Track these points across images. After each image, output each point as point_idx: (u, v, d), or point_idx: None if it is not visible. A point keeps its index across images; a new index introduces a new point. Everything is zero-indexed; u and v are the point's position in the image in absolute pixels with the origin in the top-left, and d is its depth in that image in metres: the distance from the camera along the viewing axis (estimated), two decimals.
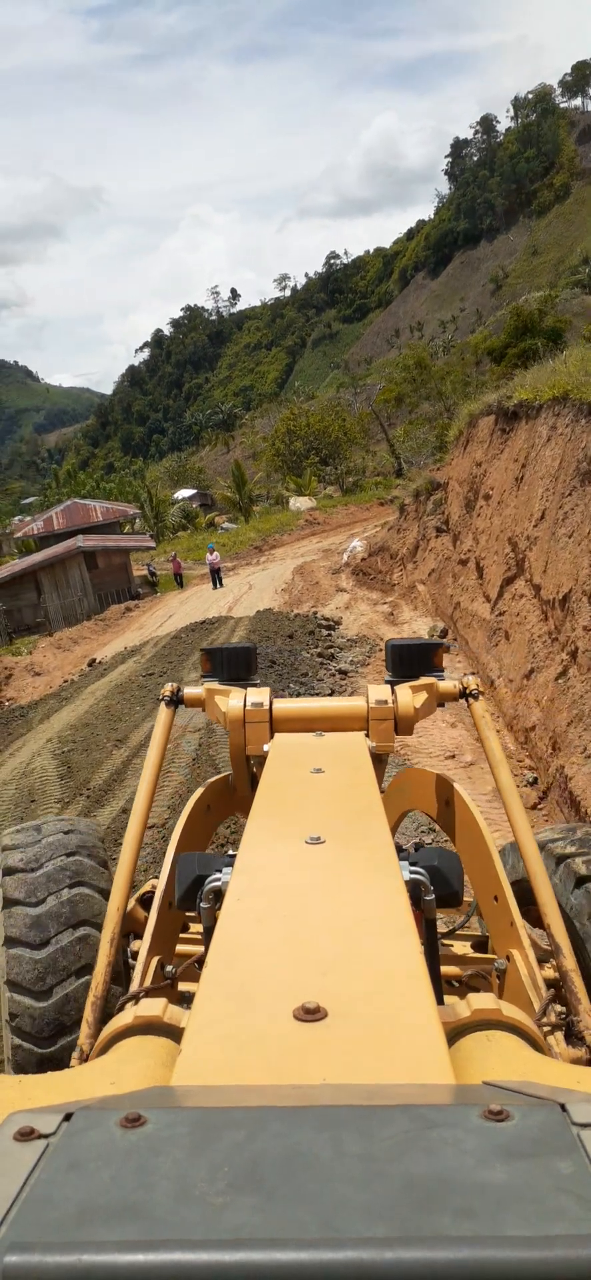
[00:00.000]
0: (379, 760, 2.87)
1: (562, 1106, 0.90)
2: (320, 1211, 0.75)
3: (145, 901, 3.21)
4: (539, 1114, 0.89)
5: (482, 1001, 1.54)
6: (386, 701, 2.97)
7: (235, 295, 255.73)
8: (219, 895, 2.11)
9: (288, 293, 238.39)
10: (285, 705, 3.06)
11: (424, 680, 3.22)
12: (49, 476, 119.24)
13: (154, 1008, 1.55)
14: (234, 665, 3.36)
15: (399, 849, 2.16)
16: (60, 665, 24.11)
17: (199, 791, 3.29)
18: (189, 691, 3.38)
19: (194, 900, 2.23)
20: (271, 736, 2.94)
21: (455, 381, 57.75)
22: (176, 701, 3.38)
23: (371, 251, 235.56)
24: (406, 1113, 0.90)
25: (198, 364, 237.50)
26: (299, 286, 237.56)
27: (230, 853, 2.25)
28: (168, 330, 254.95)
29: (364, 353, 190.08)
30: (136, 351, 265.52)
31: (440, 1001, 1.78)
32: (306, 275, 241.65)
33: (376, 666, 14.51)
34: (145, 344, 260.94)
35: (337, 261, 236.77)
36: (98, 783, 10.35)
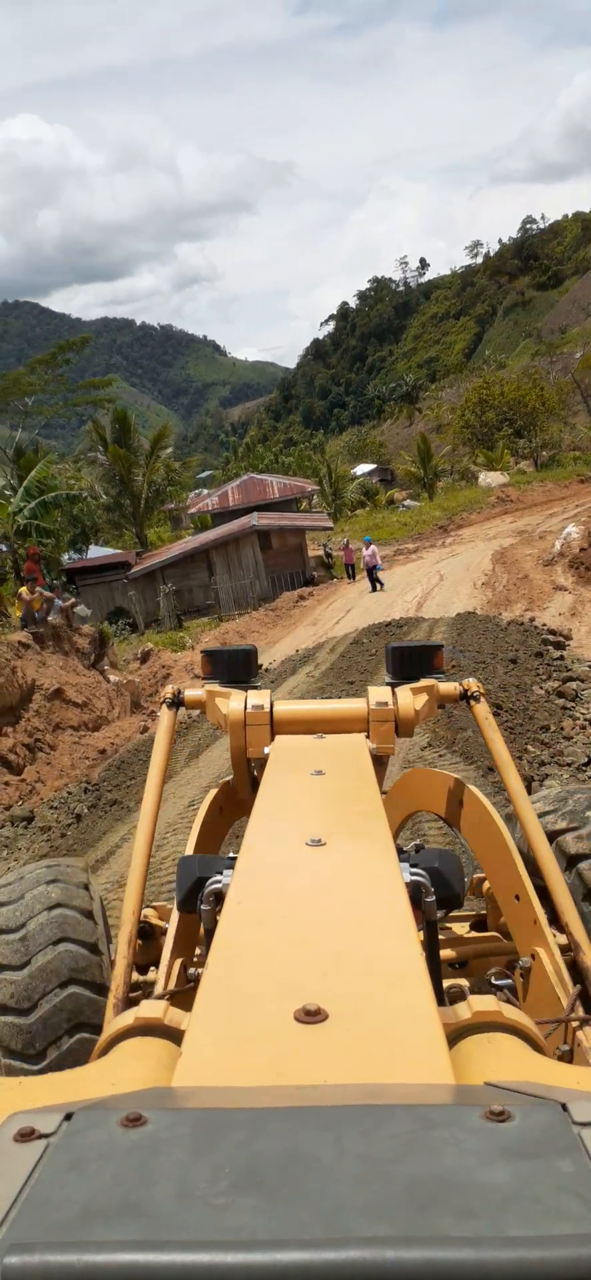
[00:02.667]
0: (379, 762, 2.86)
1: (564, 1106, 0.90)
2: (321, 1212, 0.75)
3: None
4: (540, 1114, 0.89)
5: (483, 1003, 1.52)
6: (387, 703, 2.97)
7: (424, 265, 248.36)
8: (219, 897, 2.11)
9: (479, 260, 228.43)
10: (286, 708, 3.08)
11: (424, 682, 3.22)
12: (229, 450, 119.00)
13: (154, 1009, 1.53)
14: (234, 667, 3.36)
15: (399, 850, 2.17)
16: None
17: (213, 792, 3.35)
18: (190, 694, 3.40)
19: (195, 902, 2.23)
20: (272, 739, 2.93)
21: None
22: (177, 704, 3.40)
23: (570, 216, 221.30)
24: (407, 1113, 0.90)
25: (382, 336, 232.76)
26: (491, 253, 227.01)
27: (231, 855, 2.27)
28: (353, 303, 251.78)
29: (558, 321, 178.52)
30: (321, 325, 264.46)
31: (441, 1002, 1.74)
32: (499, 241, 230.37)
33: None
34: (330, 317, 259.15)
35: (533, 227, 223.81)
36: None
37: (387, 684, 3.22)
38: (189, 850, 2.92)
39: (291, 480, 55.72)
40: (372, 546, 30.54)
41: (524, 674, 12.00)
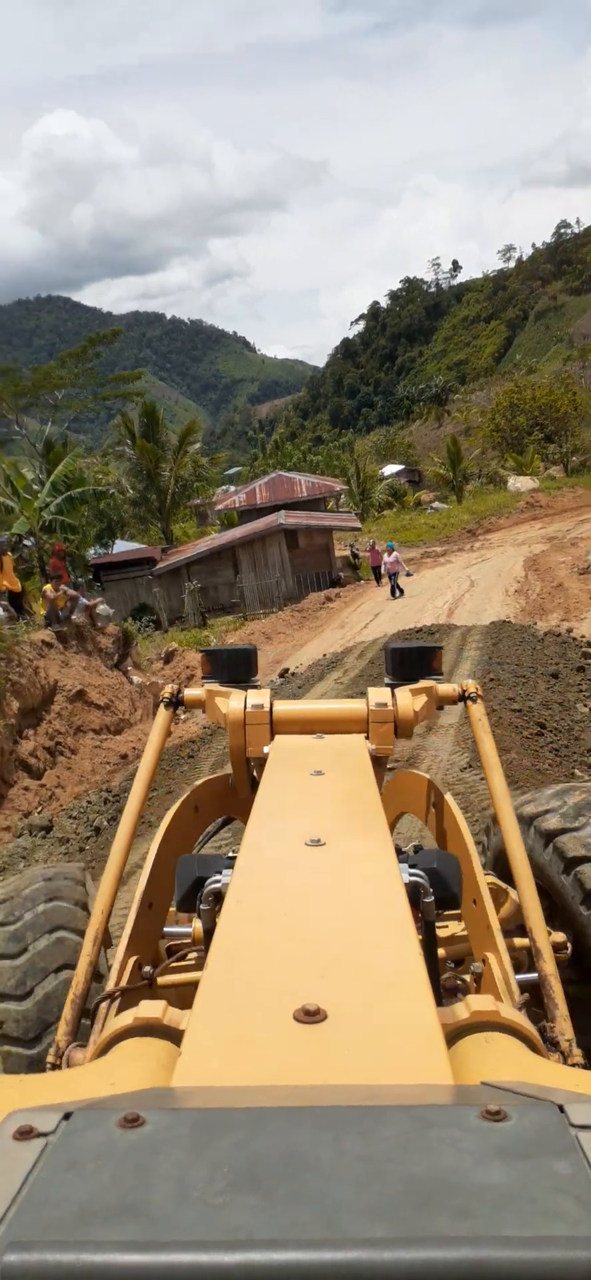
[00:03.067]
0: (379, 763, 2.86)
1: (561, 1108, 0.90)
2: (319, 1212, 0.75)
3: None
4: (537, 1115, 0.89)
5: (481, 1003, 1.53)
6: (386, 704, 2.99)
7: (456, 267, 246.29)
8: (219, 897, 2.11)
9: (512, 264, 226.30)
10: (286, 707, 3.09)
11: (423, 683, 3.23)
12: (258, 447, 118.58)
13: (154, 1010, 1.53)
14: (234, 667, 3.36)
15: (398, 851, 2.17)
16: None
17: (185, 795, 3.29)
18: (189, 693, 3.39)
19: (194, 902, 2.24)
20: (272, 738, 2.93)
21: None
22: (176, 703, 3.38)
23: None
24: (405, 1113, 0.90)
25: (412, 337, 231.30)
26: (524, 257, 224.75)
27: (230, 854, 2.28)
28: (384, 302, 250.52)
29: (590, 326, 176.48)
30: (352, 324, 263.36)
31: (439, 1003, 1.70)
32: (533, 245, 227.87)
33: None
34: (361, 316, 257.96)
35: (567, 231, 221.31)
36: None
37: (387, 685, 3.24)
38: (153, 849, 2.90)
39: (320, 479, 55.19)
40: (395, 553, 29.32)
41: (566, 690, 11.43)
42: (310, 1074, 1.17)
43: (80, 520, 23.01)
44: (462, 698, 3.31)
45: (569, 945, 3.03)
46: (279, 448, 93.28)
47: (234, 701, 3.05)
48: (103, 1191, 0.78)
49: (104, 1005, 2.37)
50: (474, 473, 70.23)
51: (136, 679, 16.56)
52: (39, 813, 11.84)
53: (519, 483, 58.48)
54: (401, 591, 27.83)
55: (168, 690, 3.39)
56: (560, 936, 3.01)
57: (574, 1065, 2.25)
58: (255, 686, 3.27)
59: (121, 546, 49.35)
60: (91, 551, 47.03)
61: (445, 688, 3.30)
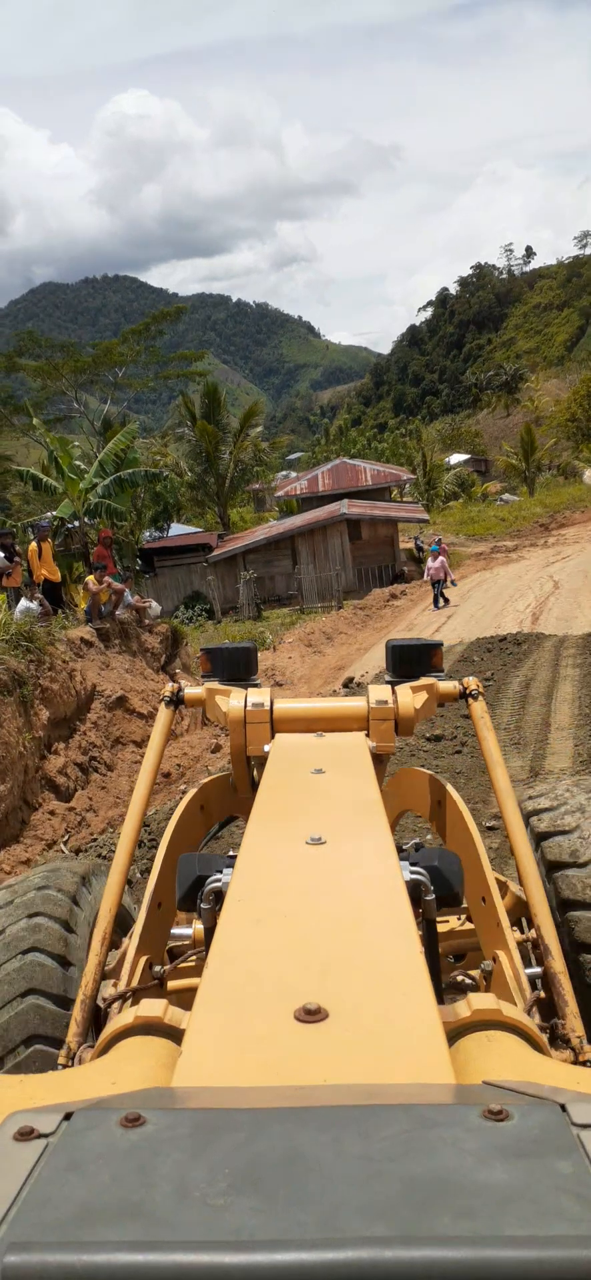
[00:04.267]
0: (379, 761, 2.89)
1: (563, 1107, 0.90)
2: (320, 1212, 0.75)
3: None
4: (539, 1114, 0.89)
5: (483, 1001, 1.54)
6: (387, 702, 2.99)
7: (530, 253, 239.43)
8: (219, 896, 2.12)
9: (588, 250, 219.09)
10: (286, 706, 3.09)
11: (424, 680, 3.25)
12: (319, 432, 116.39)
13: (154, 1008, 1.55)
14: (234, 665, 3.37)
15: (399, 849, 2.17)
16: (307, 676, 18.03)
17: (192, 791, 3.31)
18: (190, 692, 3.41)
19: (194, 901, 2.24)
20: (272, 737, 2.94)
21: None
22: (177, 702, 3.39)
23: None
24: (406, 1112, 0.90)
25: (481, 324, 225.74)
26: None
27: (230, 853, 2.28)
28: (454, 289, 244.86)
29: None
30: (419, 310, 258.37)
31: (441, 1001, 1.75)
32: None
33: None
34: (428, 303, 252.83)
35: None
36: None
37: (387, 682, 3.24)
38: (162, 849, 2.87)
39: (385, 467, 53.03)
40: (442, 557, 25.65)
41: None
42: (311, 1073, 1.17)
43: (129, 504, 21.28)
44: (463, 695, 3.30)
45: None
46: (343, 433, 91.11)
47: (234, 700, 3.02)
48: (103, 1192, 0.78)
49: (116, 1006, 2.36)
50: (545, 464, 67.29)
51: (184, 682, 14.92)
52: (65, 842, 10.23)
53: None
54: (446, 601, 24.74)
55: (168, 689, 3.39)
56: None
57: (585, 1063, 2.23)
58: (255, 685, 3.24)
59: (177, 530, 48.07)
60: (147, 534, 45.89)
61: (446, 685, 3.28)
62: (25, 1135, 0.87)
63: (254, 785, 2.95)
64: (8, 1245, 0.71)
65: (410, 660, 3.32)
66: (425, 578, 27.06)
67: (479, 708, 3.26)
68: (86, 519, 18.47)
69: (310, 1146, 0.84)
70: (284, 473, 76.24)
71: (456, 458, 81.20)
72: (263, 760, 2.77)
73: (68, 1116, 0.90)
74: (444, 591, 25.11)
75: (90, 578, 14.71)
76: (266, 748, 2.83)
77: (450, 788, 3.11)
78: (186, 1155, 0.83)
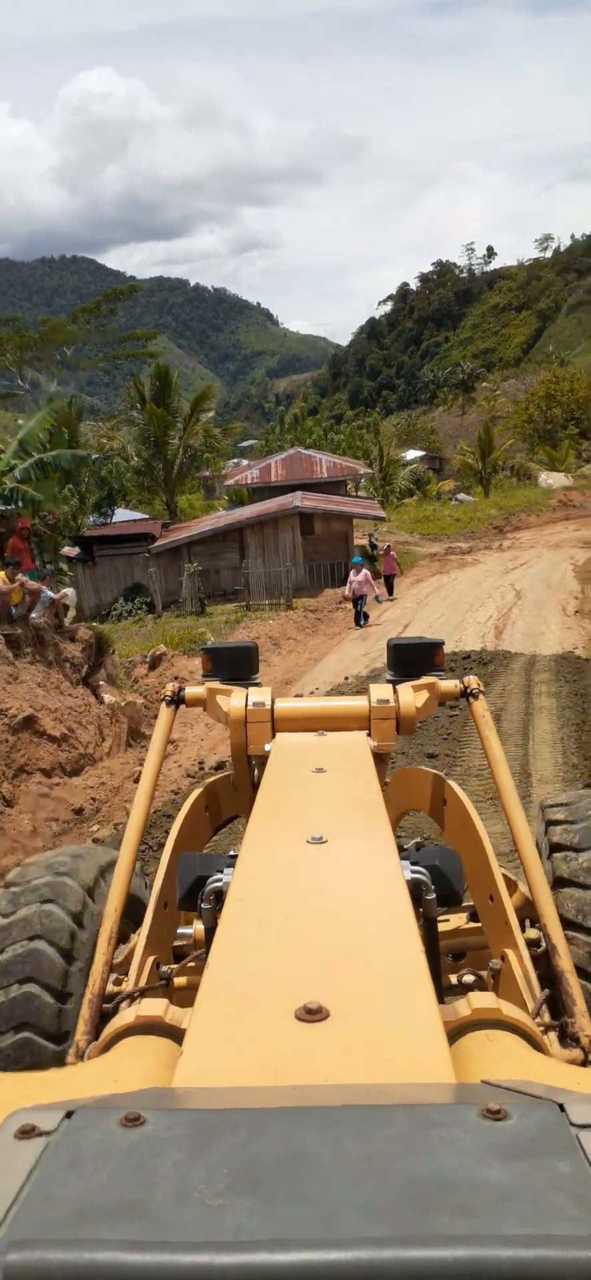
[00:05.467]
0: (380, 760, 2.87)
1: (561, 1106, 0.90)
2: (319, 1212, 0.75)
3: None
4: (537, 1114, 0.90)
5: (483, 1001, 1.54)
6: (388, 701, 2.98)
7: (491, 253, 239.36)
8: (220, 896, 2.10)
9: (549, 254, 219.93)
10: (287, 705, 3.08)
11: (425, 679, 3.22)
12: (274, 420, 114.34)
13: (155, 1008, 1.54)
14: (235, 665, 3.35)
15: (400, 848, 2.15)
16: None
17: (197, 791, 3.30)
18: (191, 691, 3.39)
19: (195, 901, 2.22)
20: (273, 736, 2.94)
21: None
22: (178, 701, 3.37)
23: None
24: (405, 1112, 0.91)
25: (440, 321, 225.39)
26: (562, 248, 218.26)
27: (232, 853, 2.25)
28: (415, 285, 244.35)
29: None
30: (379, 304, 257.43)
31: (441, 1000, 1.71)
32: (572, 237, 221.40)
33: None
34: (389, 297, 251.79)
35: None
36: None
37: (388, 681, 3.22)
38: (168, 849, 2.90)
39: (341, 460, 51.33)
40: (364, 571, 22.98)
41: None
42: (311, 1073, 1.17)
43: (54, 492, 19.10)
44: (464, 694, 3.29)
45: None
46: (298, 422, 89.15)
47: (235, 699, 3.03)
48: (103, 1191, 0.78)
49: (123, 1006, 2.32)
50: (501, 465, 66.53)
51: (108, 697, 12.96)
52: None
53: (551, 479, 55.07)
54: (366, 619, 22.32)
55: (169, 688, 3.43)
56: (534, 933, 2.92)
57: None
58: (256, 684, 3.25)
59: (125, 516, 45.84)
60: (90, 520, 43.58)
61: (447, 684, 3.27)
62: (26, 1133, 0.87)
63: (255, 785, 2.93)
64: (9, 1243, 0.71)
65: (411, 659, 3.30)
66: (346, 592, 23.43)
67: (480, 706, 3.25)
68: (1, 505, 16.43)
69: (310, 1146, 0.83)
70: (235, 460, 74.17)
71: (412, 453, 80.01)
72: (264, 759, 2.76)
73: (68, 1115, 0.90)
74: (366, 609, 22.54)
75: (1, 574, 12.73)
76: (267, 747, 2.82)
77: (455, 785, 3.10)
78: (186, 1155, 0.82)
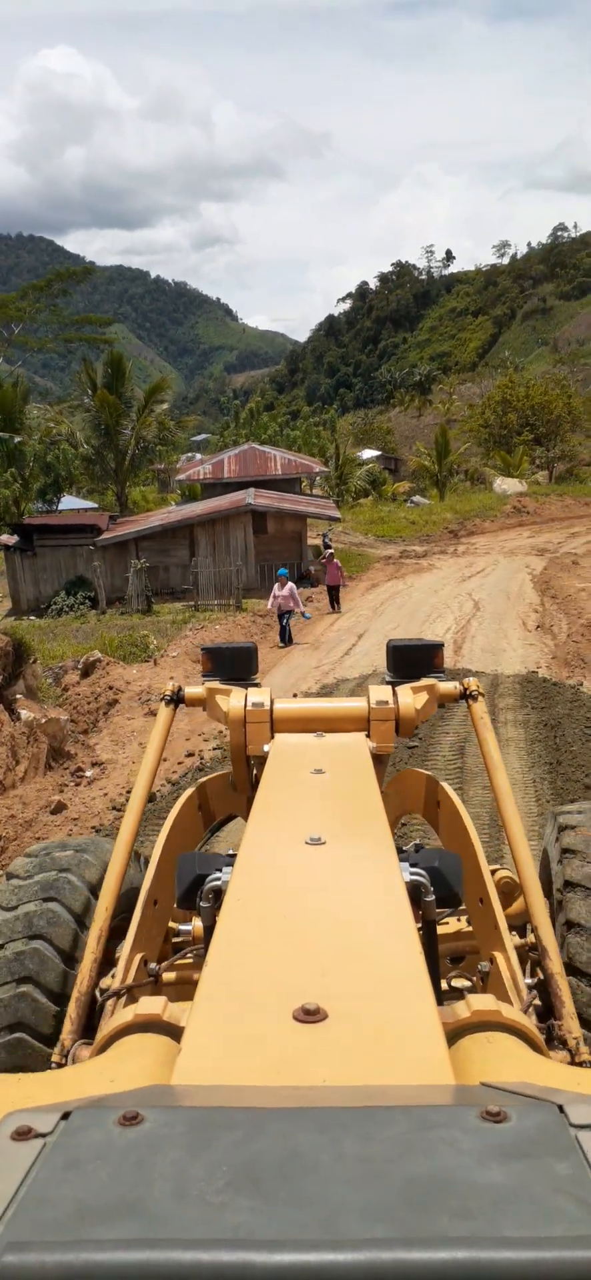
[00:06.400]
0: (379, 761, 2.85)
1: (560, 1108, 0.90)
2: (318, 1212, 0.75)
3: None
4: (536, 1115, 0.89)
5: (482, 1002, 1.52)
6: (388, 702, 2.97)
7: (450, 257, 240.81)
8: (219, 895, 2.10)
9: (505, 260, 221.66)
10: (286, 706, 3.07)
11: (425, 681, 3.21)
12: (230, 415, 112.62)
13: (154, 1006, 1.52)
14: (235, 665, 3.35)
15: (399, 850, 2.15)
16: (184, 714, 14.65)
17: (189, 791, 3.29)
18: (190, 691, 3.37)
19: (193, 899, 2.22)
20: (272, 737, 2.93)
21: None
22: (177, 700, 3.36)
23: None
24: (404, 1114, 0.90)
25: (398, 322, 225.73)
26: (518, 255, 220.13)
27: (230, 852, 2.26)
28: (374, 284, 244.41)
29: (576, 333, 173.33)
30: (338, 301, 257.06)
31: (440, 1002, 1.71)
32: (528, 245, 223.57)
33: None
34: (348, 295, 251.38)
35: (565, 235, 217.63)
36: None
37: (387, 682, 3.23)
38: (159, 847, 2.89)
39: (297, 457, 50.10)
40: (290, 584, 20.68)
41: None
42: (310, 1074, 1.16)
43: None
44: (464, 695, 3.29)
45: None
46: (254, 417, 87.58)
47: (234, 699, 3.04)
48: (101, 1190, 0.77)
49: (111, 1002, 2.35)
50: (456, 468, 66.05)
51: (26, 713, 11.54)
52: None
53: (505, 484, 54.76)
54: (290, 638, 20.07)
55: (168, 688, 3.39)
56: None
57: (581, 1064, 2.21)
58: (255, 684, 3.26)
59: (73, 504, 44.03)
60: (35, 507, 41.75)
61: (446, 686, 3.27)
62: (23, 1135, 0.86)
63: (254, 785, 2.96)
64: (5, 1245, 0.70)
65: (410, 660, 3.33)
66: (269, 606, 21.17)
67: (479, 708, 3.26)
68: None
69: (308, 1146, 0.83)
70: (189, 454, 72.47)
71: (368, 453, 79.21)
72: (262, 760, 2.77)
73: (66, 1115, 0.89)
74: (291, 624, 20.23)
75: None
76: (266, 747, 2.84)
77: (447, 788, 3.17)
78: (184, 1153, 0.82)
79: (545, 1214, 0.73)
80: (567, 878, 3.05)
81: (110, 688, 14.60)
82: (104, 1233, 0.71)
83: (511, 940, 2.54)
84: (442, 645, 3.46)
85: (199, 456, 63.54)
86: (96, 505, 45.70)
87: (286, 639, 20.09)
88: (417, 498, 60.61)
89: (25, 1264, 0.68)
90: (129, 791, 10.39)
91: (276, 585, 20.77)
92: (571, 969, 2.80)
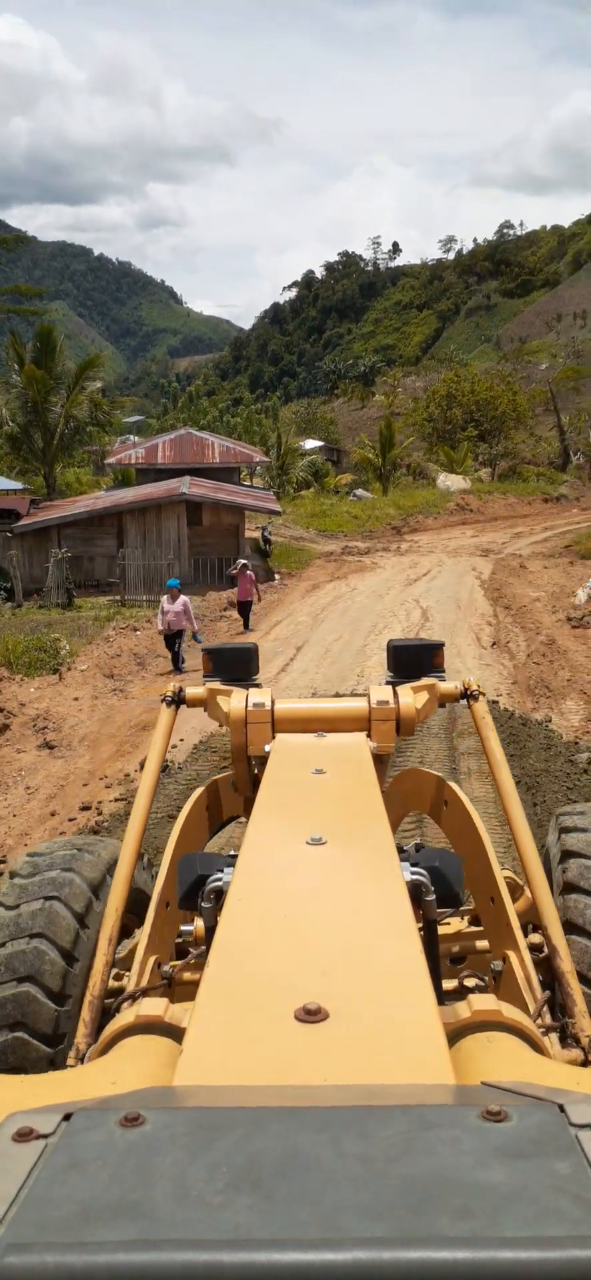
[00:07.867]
0: (380, 761, 2.85)
1: (561, 1107, 0.90)
2: (319, 1212, 0.75)
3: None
4: (537, 1115, 0.89)
5: (483, 1002, 1.53)
6: (388, 702, 2.97)
7: (396, 249, 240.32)
8: (220, 895, 2.10)
9: (451, 255, 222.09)
10: (287, 706, 3.08)
11: (425, 681, 3.21)
12: (169, 397, 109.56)
13: (155, 1007, 1.53)
14: (235, 665, 3.36)
15: (400, 850, 2.15)
16: (91, 737, 11.86)
17: (198, 791, 3.30)
18: (191, 692, 3.38)
19: (195, 900, 2.22)
20: (273, 737, 2.93)
21: None
22: (178, 701, 3.36)
23: (548, 228, 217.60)
24: (405, 1113, 0.90)
25: (343, 313, 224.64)
26: (464, 251, 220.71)
27: (232, 853, 2.26)
28: (319, 273, 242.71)
29: (519, 331, 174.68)
30: (284, 289, 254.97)
31: (441, 1002, 1.71)
32: (474, 241, 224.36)
33: None
34: (294, 283, 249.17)
35: (510, 232, 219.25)
36: None
37: (388, 683, 3.22)
38: (170, 847, 2.89)
39: (236, 445, 47.92)
40: (183, 597, 16.77)
41: None
42: (311, 1073, 1.17)
43: None
44: (465, 695, 3.30)
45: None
46: (193, 401, 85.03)
47: (235, 700, 3.04)
48: (102, 1191, 0.77)
49: (125, 1006, 2.32)
50: (400, 462, 64.74)
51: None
52: None
53: (449, 480, 53.62)
54: (183, 663, 16.35)
55: (169, 688, 3.42)
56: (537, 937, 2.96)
57: None
58: (256, 685, 3.26)
59: None
60: None
61: (447, 686, 3.27)
62: (24, 1136, 0.86)
63: (255, 785, 2.91)
64: (7, 1246, 0.70)
65: (411, 660, 3.34)
66: (159, 625, 16.90)
67: (480, 708, 3.27)
68: None
69: (309, 1146, 0.83)
70: (124, 436, 69.62)
71: (311, 443, 77.43)
72: (264, 760, 2.77)
73: (67, 1117, 0.89)
74: (183, 648, 16.56)
75: None
76: (267, 748, 2.83)
77: (456, 787, 3.14)
78: (185, 1154, 0.82)
79: (545, 1214, 0.73)
80: (568, 880, 3.03)
81: (2, 709, 12.37)
82: (105, 1234, 0.71)
83: (524, 939, 2.54)
84: (443, 645, 3.49)
85: (134, 439, 60.90)
86: (21, 486, 42.80)
87: (179, 665, 16.33)
88: (360, 491, 59.02)
89: (27, 1265, 0.69)
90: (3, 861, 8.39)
91: (165, 599, 16.69)
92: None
